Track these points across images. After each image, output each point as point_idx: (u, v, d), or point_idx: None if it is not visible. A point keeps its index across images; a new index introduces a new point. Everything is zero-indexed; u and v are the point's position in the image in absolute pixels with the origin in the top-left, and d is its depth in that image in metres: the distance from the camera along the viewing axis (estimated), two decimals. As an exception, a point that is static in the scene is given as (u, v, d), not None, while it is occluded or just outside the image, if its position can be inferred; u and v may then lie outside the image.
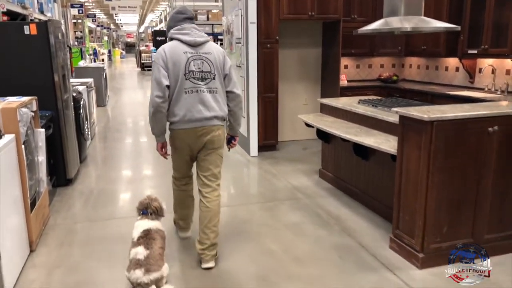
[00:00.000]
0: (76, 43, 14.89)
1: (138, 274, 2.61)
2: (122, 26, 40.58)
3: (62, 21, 9.72)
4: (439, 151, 2.80)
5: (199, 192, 3.11)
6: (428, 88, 5.91)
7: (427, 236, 2.93)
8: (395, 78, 6.69)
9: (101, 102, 10.30)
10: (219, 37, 13.16)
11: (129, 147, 6.85)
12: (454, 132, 2.83)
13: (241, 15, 5.73)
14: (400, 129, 3.04)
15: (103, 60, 19.56)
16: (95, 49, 18.85)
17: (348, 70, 7.02)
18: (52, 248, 3.33)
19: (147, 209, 2.96)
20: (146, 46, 23.88)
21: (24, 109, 3.21)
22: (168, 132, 3.06)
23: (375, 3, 6.21)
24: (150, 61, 19.21)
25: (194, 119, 2.91)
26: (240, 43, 5.92)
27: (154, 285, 2.62)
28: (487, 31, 5.04)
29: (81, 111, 5.53)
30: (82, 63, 10.80)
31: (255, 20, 5.51)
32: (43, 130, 3.72)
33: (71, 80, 7.07)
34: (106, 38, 32.52)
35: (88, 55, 15.60)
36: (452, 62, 6.03)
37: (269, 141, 5.98)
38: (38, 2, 6.73)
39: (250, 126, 5.78)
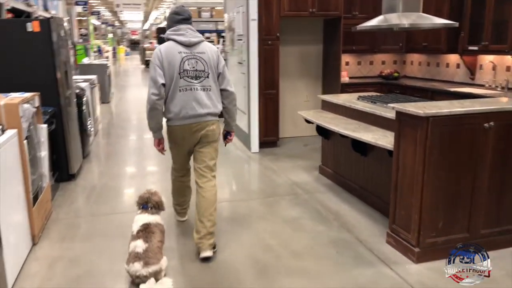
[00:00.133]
0: (80, 40, 14.96)
1: (137, 267, 2.67)
2: (126, 23, 40.67)
3: (67, 18, 9.80)
4: (434, 147, 2.83)
5: (196, 183, 3.22)
6: (429, 84, 5.93)
7: (423, 231, 2.96)
8: (396, 75, 6.70)
9: (104, 99, 10.37)
10: (223, 34, 13.19)
11: (132, 143, 6.90)
12: (450, 128, 2.85)
13: (243, 12, 5.76)
14: (397, 124, 3.07)
15: (107, 57, 19.66)
16: (99, 46, 18.93)
17: (350, 67, 7.04)
18: (54, 241, 3.39)
19: (147, 204, 3.02)
20: (150, 43, 23.96)
21: (26, 105, 3.26)
22: (165, 128, 3.18)
23: (376, 0, 6.21)
24: (154, 58, 19.18)
25: (188, 116, 3.06)
26: (242, 40, 5.95)
27: (152, 278, 2.67)
28: (487, 28, 5.05)
29: (84, 107, 5.59)
30: (86, 60, 10.88)
31: (256, 17, 5.54)
32: (45, 125, 3.78)
33: (75, 76, 7.15)
34: (111, 35, 32.62)
35: (93, 52, 15.69)
36: (453, 58, 6.04)
37: (270, 137, 6.01)
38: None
39: (251, 123, 5.82)
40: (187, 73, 3.04)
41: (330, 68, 6.44)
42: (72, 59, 8.99)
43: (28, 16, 5.88)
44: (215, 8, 16.07)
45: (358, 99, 4.37)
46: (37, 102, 3.62)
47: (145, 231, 2.84)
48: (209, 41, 9.71)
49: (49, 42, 4.32)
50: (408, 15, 3.94)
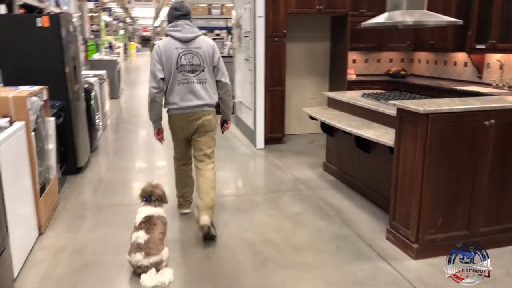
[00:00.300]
0: (92, 36, 15.10)
1: (138, 257, 2.73)
2: (138, 20, 40.87)
3: (79, 14, 9.92)
4: (434, 144, 2.84)
5: (196, 168, 3.46)
6: (436, 83, 5.91)
7: (422, 227, 2.98)
8: (403, 73, 6.69)
9: (114, 94, 10.48)
10: (232, 30, 13.23)
11: (140, 138, 6.98)
12: (450, 125, 2.86)
13: (250, 9, 5.80)
14: (398, 121, 3.09)
15: (118, 53, 19.80)
16: (110, 42, 19.08)
17: (357, 64, 7.04)
18: (60, 231, 3.47)
19: (151, 197, 3.08)
20: (161, 39, 24.03)
21: (34, 98, 3.34)
22: (166, 119, 3.44)
23: (384, -2, 6.21)
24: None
25: (185, 106, 3.31)
26: (248, 36, 5.99)
27: (153, 268, 2.73)
28: (495, 26, 5.02)
29: (92, 102, 5.67)
30: (96, 56, 11.00)
31: (263, 14, 5.57)
32: (53, 118, 3.86)
33: (85, 72, 7.26)
34: (122, 31, 32.82)
35: (104, 48, 15.82)
36: (461, 57, 6.01)
37: (275, 134, 6.05)
38: (54, -5, 6.89)
39: (257, 119, 5.86)
40: (184, 68, 3.27)
41: (337, 66, 6.45)
42: (82, 55, 9.13)
43: (40, 11, 5.97)
44: (225, 5, 16.12)
45: (362, 96, 4.39)
46: (45, 96, 3.70)
47: (148, 222, 2.91)
48: (219, 38, 9.76)
49: (58, 37, 4.40)
50: (413, 12, 3.94)
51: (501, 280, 2.79)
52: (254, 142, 5.99)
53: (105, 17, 21.11)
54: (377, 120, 3.87)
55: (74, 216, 3.77)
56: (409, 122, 2.96)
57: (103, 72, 7.66)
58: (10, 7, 5.01)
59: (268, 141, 6.00)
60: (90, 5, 15.53)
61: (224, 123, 3.69)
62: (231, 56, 7.89)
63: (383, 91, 4.78)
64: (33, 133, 3.26)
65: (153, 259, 2.75)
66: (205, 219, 3.19)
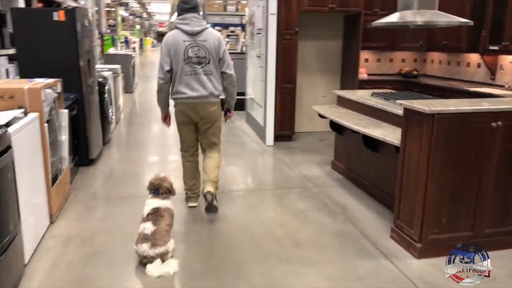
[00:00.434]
0: (108, 30, 15.29)
1: (145, 248, 2.80)
2: (154, 15, 41.16)
3: (96, 9, 10.06)
4: (439, 144, 2.85)
5: (203, 154, 3.77)
6: (448, 84, 5.88)
7: (425, 227, 2.99)
8: (415, 73, 6.66)
9: (128, 89, 10.61)
10: (245, 27, 13.27)
11: (153, 132, 7.08)
12: (456, 125, 2.87)
13: (263, 7, 5.83)
14: (404, 121, 3.10)
15: (134, 48, 19.99)
16: (126, 37, 19.28)
17: (369, 63, 7.03)
18: (71, 221, 3.56)
19: (158, 190, 3.15)
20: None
21: (48, 90, 3.43)
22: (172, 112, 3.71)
23: (398, -3, 6.18)
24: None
25: (193, 96, 3.51)
26: (261, 34, 6.02)
27: (159, 259, 2.81)
28: (509, 28, 4.97)
29: (106, 95, 5.77)
30: (112, 50, 11.15)
31: (275, 11, 5.60)
32: (66, 111, 3.95)
33: (100, 66, 7.38)
34: (138, 26, 33.10)
35: (120, 43, 16.00)
36: (474, 58, 5.97)
37: (285, 131, 6.08)
38: (72, -11, 7.01)
39: (267, 116, 5.90)
40: (191, 60, 3.46)
41: (348, 64, 6.44)
42: (98, 49, 9.27)
43: (58, 6, 6.09)
44: (241, 1, 16.17)
45: (371, 95, 4.40)
46: (59, 88, 3.79)
47: (155, 214, 2.97)
48: (233, 35, 9.78)
49: (74, 31, 4.49)
50: (423, 12, 3.93)
51: (502, 280, 2.80)
52: (264, 139, 6.04)
53: (122, 12, 21.33)
54: (386, 119, 3.88)
55: (84, 206, 3.86)
56: (415, 121, 2.97)
57: (117, 66, 7.78)
58: (28, 1, 5.13)
59: (277, 138, 6.04)
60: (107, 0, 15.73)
61: (227, 111, 3.85)
62: (243, 53, 7.93)
63: (392, 91, 4.78)
64: (46, 124, 3.35)
65: (159, 250, 2.81)
66: (209, 187, 3.55)
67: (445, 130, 2.85)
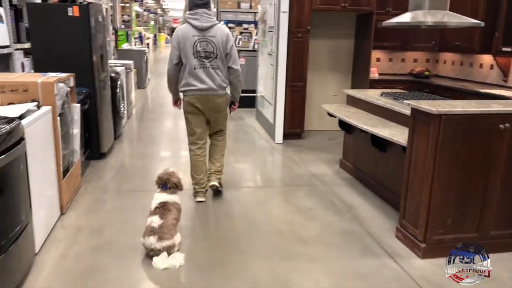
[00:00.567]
0: (123, 26, 15.42)
1: (152, 241, 2.86)
2: (168, 11, 41.33)
3: (110, 5, 10.16)
4: (446, 145, 2.85)
5: (210, 141, 4.03)
6: (459, 85, 5.84)
7: (430, 227, 3.00)
8: (427, 73, 6.62)
9: (141, 84, 10.72)
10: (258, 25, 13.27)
11: (164, 127, 7.15)
12: (463, 126, 2.87)
13: (275, 4, 5.85)
14: (411, 121, 3.10)
15: (148, 44, 20.13)
16: (140, 33, 19.43)
17: (381, 63, 7.01)
18: (81, 213, 3.64)
19: (166, 184, 3.20)
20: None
21: (61, 84, 3.50)
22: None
23: (411, -4, 6.14)
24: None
25: (203, 88, 3.69)
26: (272, 31, 6.04)
27: (165, 252, 2.86)
28: (522, 29, 4.93)
29: (118, 90, 5.85)
30: (125, 46, 11.26)
31: (287, 10, 5.62)
32: (78, 105, 4.03)
33: (113, 61, 7.47)
34: (152, 22, 33.31)
35: (134, 38, 16.14)
36: (487, 59, 5.91)
37: (294, 129, 6.11)
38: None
39: (277, 114, 5.93)
40: (200, 54, 3.64)
41: (360, 64, 6.44)
42: (112, 44, 9.37)
43: (73, 1, 6.17)
44: (255, -1, 16.17)
45: (381, 95, 4.40)
46: (72, 82, 3.87)
47: (162, 208, 3.03)
48: (247, 32, 9.81)
49: (87, 26, 4.57)
50: (434, 13, 3.92)
51: (502, 281, 2.80)
52: (273, 137, 6.07)
53: (136, 8, 21.49)
54: (394, 119, 3.88)
55: (94, 199, 3.94)
56: (422, 122, 2.98)
57: (130, 62, 7.86)
58: (45, -4, 5.23)
59: (287, 136, 6.06)
60: (122, -5, 15.85)
61: (232, 104, 4.03)
62: (255, 51, 7.96)
63: (402, 91, 4.78)
64: (58, 118, 3.42)
65: (166, 243, 2.87)
66: (214, 181, 3.93)
67: (452, 131, 2.85)
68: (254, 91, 7.59)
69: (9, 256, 2.38)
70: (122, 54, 9.90)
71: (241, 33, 9.77)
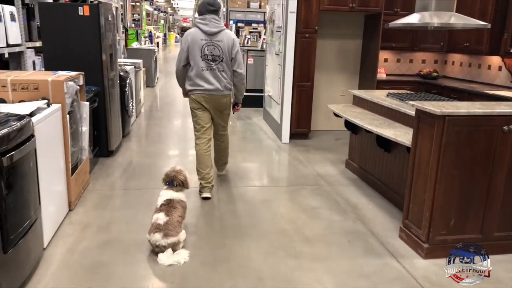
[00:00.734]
0: (133, 25, 15.54)
1: (157, 237, 2.91)
2: (178, 10, 41.51)
3: (121, 4, 10.26)
4: (450, 145, 2.87)
5: (215, 138, 4.29)
6: (467, 86, 5.82)
7: (433, 227, 3.01)
8: (435, 74, 6.60)
9: (150, 83, 10.81)
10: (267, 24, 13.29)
11: (172, 126, 7.22)
12: (467, 128, 2.88)
13: (283, 5, 5.88)
14: (416, 122, 3.12)
15: (157, 43, 20.23)
16: (150, 32, 19.54)
17: (388, 64, 7.00)
18: (88, 209, 3.70)
19: (173, 181, 3.25)
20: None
21: (70, 83, 3.57)
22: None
23: (419, -3, 6.13)
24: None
25: (209, 89, 3.93)
26: (280, 31, 6.07)
27: (170, 249, 2.91)
28: (531, 31, 4.91)
29: (127, 89, 5.92)
30: (135, 45, 11.35)
31: (295, 10, 5.65)
32: (87, 103, 4.09)
33: (122, 60, 7.55)
34: (162, 21, 33.47)
35: (144, 37, 16.25)
36: (496, 61, 5.89)
37: (301, 129, 6.13)
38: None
39: (283, 113, 5.96)
40: (207, 57, 3.87)
41: (367, 64, 6.44)
42: (122, 43, 9.46)
43: (84, 0, 6.26)
44: (264, -1, 16.20)
45: (387, 96, 4.41)
46: (81, 81, 3.93)
47: (168, 205, 3.08)
48: (255, 32, 9.84)
49: (97, 25, 4.64)
50: (441, 14, 3.93)
51: (503, 281, 2.81)
52: (280, 136, 6.10)
53: (147, 7, 21.61)
54: (399, 120, 3.90)
55: (102, 196, 4.00)
56: (426, 123, 2.99)
57: (139, 61, 7.94)
58: (56, -4, 5.31)
59: (293, 135, 6.09)
60: (133, -6, 15.97)
61: (235, 105, 4.30)
62: (263, 50, 7.99)
63: (409, 92, 4.78)
64: (68, 116, 3.48)
65: (171, 240, 2.92)
66: (221, 172, 4.54)
67: (456, 132, 2.86)
68: (261, 91, 7.63)
69: (18, 250, 2.44)
70: (132, 53, 9.99)
71: (250, 32, 9.81)
